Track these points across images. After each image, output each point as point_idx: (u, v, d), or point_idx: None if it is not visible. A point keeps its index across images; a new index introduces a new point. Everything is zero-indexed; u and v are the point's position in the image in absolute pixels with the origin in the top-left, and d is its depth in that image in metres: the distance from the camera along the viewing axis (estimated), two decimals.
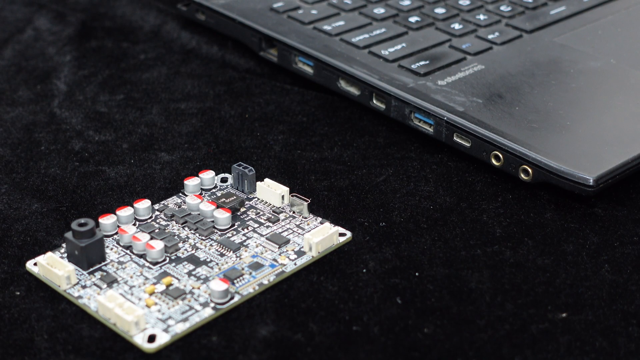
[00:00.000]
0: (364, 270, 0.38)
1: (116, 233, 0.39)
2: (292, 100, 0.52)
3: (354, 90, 0.51)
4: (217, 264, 0.38)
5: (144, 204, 0.41)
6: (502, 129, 0.44)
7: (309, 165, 0.46)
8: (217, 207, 0.41)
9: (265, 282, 0.37)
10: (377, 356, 0.34)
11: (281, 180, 0.43)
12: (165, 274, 0.37)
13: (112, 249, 0.39)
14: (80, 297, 0.36)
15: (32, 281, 0.37)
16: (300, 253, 0.39)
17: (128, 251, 0.38)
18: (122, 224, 0.40)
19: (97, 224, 0.39)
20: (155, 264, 0.38)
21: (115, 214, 0.40)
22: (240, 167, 0.43)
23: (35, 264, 0.38)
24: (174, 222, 0.40)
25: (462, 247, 0.40)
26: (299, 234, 0.40)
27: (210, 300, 0.36)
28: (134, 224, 0.40)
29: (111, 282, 0.37)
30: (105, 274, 0.37)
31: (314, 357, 0.34)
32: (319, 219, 0.41)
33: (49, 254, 0.37)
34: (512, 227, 0.41)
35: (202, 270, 0.37)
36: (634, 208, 0.43)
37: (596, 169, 0.42)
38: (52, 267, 0.36)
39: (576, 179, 0.41)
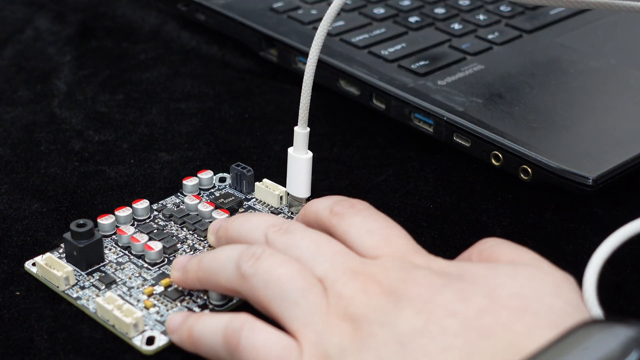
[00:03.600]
0: None
1: (115, 233, 0.39)
2: (292, 100, 0.52)
3: (354, 90, 0.51)
4: None
5: (142, 204, 0.41)
6: (502, 129, 0.44)
7: None
8: (216, 207, 0.41)
9: None
10: None
11: (281, 180, 0.43)
12: (163, 275, 0.37)
13: (110, 249, 0.39)
14: (79, 298, 0.36)
15: (32, 281, 0.37)
16: None
17: (127, 252, 0.38)
18: (121, 224, 0.40)
19: (96, 224, 0.39)
20: (153, 265, 0.38)
21: (113, 214, 0.40)
22: (239, 168, 0.43)
23: (33, 264, 0.38)
24: (172, 222, 0.40)
25: (462, 246, 0.40)
26: None
27: (209, 302, 0.36)
28: (133, 224, 0.40)
29: (110, 283, 0.37)
30: (103, 274, 0.37)
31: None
32: None
33: (48, 254, 0.37)
34: (512, 227, 0.41)
35: None
36: (634, 208, 0.43)
37: (596, 169, 0.42)
38: (51, 267, 0.36)
39: (576, 179, 0.41)
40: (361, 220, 0.34)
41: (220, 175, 0.44)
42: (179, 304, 0.36)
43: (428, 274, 0.31)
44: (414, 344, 0.28)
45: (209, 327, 0.32)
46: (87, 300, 0.36)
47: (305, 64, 0.39)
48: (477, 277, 0.30)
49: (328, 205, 0.35)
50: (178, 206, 0.42)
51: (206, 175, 0.43)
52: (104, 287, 0.36)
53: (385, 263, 0.32)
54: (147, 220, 0.41)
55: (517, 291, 0.29)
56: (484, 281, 0.30)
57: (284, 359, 0.30)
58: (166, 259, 0.38)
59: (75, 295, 0.36)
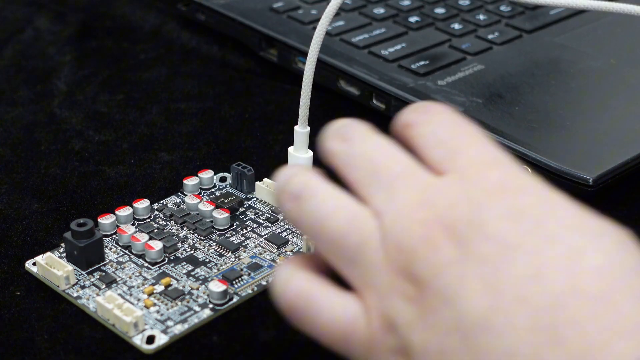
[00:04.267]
0: None
1: (115, 233, 0.39)
2: (292, 100, 0.52)
3: (354, 90, 0.51)
4: (215, 264, 0.38)
5: (142, 204, 0.41)
6: (502, 129, 0.44)
7: None
8: (216, 207, 0.41)
9: (264, 283, 0.37)
10: None
11: None
12: (164, 274, 0.37)
13: (111, 248, 0.39)
14: (79, 297, 0.36)
15: (32, 281, 0.37)
16: (299, 254, 0.39)
17: (127, 251, 0.38)
18: (121, 223, 0.40)
19: (96, 224, 0.39)
20: (154, 264, 0.38)
21: (114, 213, 0.40)
22: (239, 167, 0.43)
23: (34, 264, 0.38)
24: (172, 221, 0.40)
25: None
26: (298, 234, 0.40)
27: (209, 302, 0.36)
28: (133, 224, 0.40)
29: (110, 282, 0.37)
30: (104, 274, 0.37)
31: (315, 355, 0.33)
32: None
33: (48, 253, 0.37)
34: None
35: (200, 271, 0.37)
36: (634, 208, 0.43)
37: (596, 169, 0.42)
38: (51, 267, 0.36)
39: (576, 179, 0.41)
40: (432, 129, 0.28)
41: (221, 174, 0.44)
42: (179, 303, 0.36)
43: (501, 219, 0.25)
44: (478, 339, 0.24)
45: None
46: (88, 299, 0.36)
47: (304, 63, 0.39)
48: (560, 231, 0.25)
49: (402, 116, 0.29)
50: (178, 205, 0.42)
51: (207, 174, 0.43)
52: (104, 286, 0.36)
53: (452, 189, 0.26)
54: (148, 220, 0.41)
55: (601, 265, 0.24)
56: (568, 243, 0.24)
57: (349, 334, 0.27)
58: (166, 258, 0.38)
59: (75, 295, 0.36)
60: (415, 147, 0.28)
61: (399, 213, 0.26)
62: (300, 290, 0.28)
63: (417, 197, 0.26)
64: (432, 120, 0.29)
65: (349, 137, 0.29)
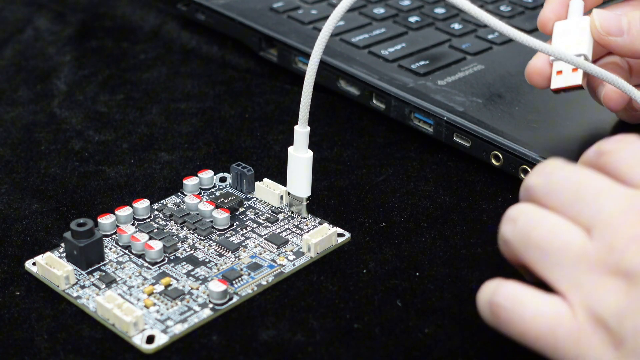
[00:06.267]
0: (365, 271, 0.38)
1: (115, 233, 0.39)
2: (292, 100, 0.52)
3: (354, 90, 0.51)
4: (215, 264, 0.38)
5: (142, 204, 0.41)
6: (502, 129, 0.44)
7: None
8: (216, 207, 0.41)
9: (264, 282, 0.37)
10: (378, 353, 0.34)
11: (281, 180, 0.43)
12: (164, 274, 0.37)
13: (110, 248, 0.39)
14: (79, 297, 0.36)
15: (32, 281, 0.37)
16: (298, 254, 0.39)
17: (127, 251, 0.38)
18: (121, 223, 0.40)
19: (96, 224, 0.39)
20: (154, 264, 0.38)
21: (114, 213, 0.40)
22: (239, 167, 0.43)
23: (34, 264, 0.38)
24: (172, 221, 0.40)
25: (462, 246, 0.40)
26: (298, 234, 0.40)
27: (209, 301, 0.36)
28: (133, 224, 0.40)
29: (110, 282, 0.37)
30: (104, 274, 0.37)
31: (315, 355, 0.33)
32: (318, 220, 0.41)
33: (48, 253, 0.37)
34: None
35: (200, 271, 0.37)
36: None
37: None
38: (51, 267, 0.36)
39: None
40: (631, 153, 0.31)
41: (221, 175, 0.44)
42: (179, 303, 0.36)
43: None
44: None
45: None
46: (87, 299, 0.36)
47: (305, 63, 0.39)
48: None
49: (596, 147, 0.32)
50: (178, 206, 0.42)
51: (207, 174, 0.43)
52: (104, 286, 0.36)
53: None
54: (148, 220, 0.41)
55: None
56: None
57: (555, 328, 0.29)
58: (166, 258, 0.38)
59: (75, 295, 0.36)
60: (612, 171, 0.31)
61: (608, 222, 0.29)
62: (508, 293, 0.30)
63: (623, 206, 0.29)
64: (628, 147, 0.31)
65: (549, 172, 0.32)
